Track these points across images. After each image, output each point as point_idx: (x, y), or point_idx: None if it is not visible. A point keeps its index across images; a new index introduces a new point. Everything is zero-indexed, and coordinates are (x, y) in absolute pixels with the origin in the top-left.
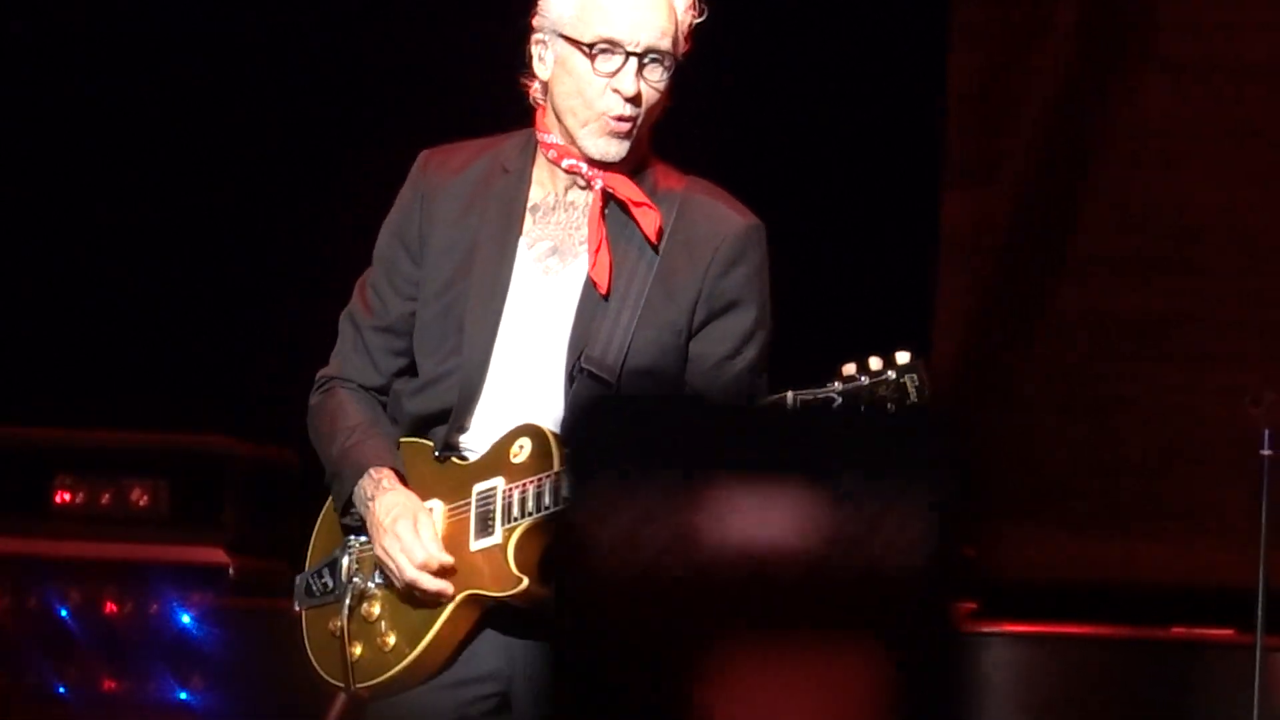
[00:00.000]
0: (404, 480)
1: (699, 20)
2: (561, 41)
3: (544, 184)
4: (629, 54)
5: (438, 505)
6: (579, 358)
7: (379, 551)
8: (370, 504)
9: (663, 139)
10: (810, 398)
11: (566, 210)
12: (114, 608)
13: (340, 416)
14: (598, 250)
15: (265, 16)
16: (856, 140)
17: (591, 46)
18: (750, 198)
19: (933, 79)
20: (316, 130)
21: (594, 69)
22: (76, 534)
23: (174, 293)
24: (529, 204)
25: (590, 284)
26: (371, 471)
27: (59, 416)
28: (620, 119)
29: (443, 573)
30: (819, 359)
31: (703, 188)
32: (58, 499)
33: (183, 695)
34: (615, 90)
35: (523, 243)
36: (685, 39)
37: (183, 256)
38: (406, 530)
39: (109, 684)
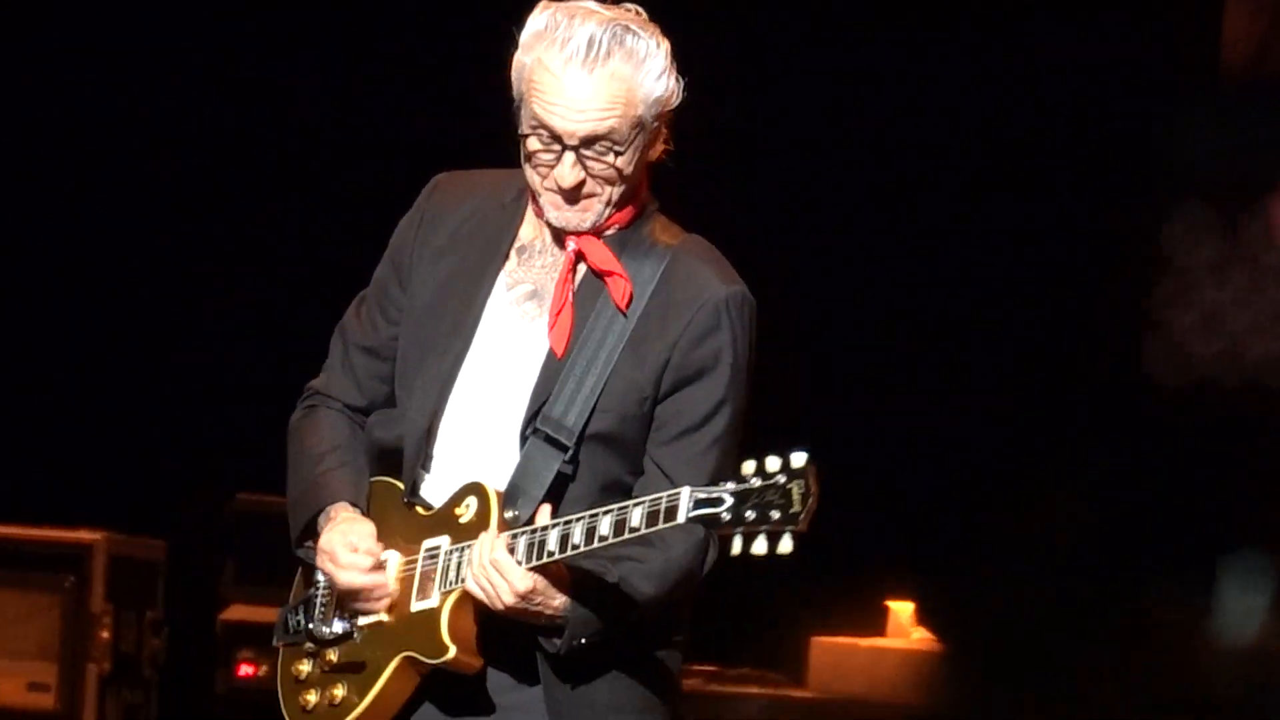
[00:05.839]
0: (365, 514)
1: (669, 83)
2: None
3: (535, 225)
4: (565, 147)
5: (394, 557)
6: (535, 417)
7: (322, 570)
8: (320, 534)
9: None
10: (704, 496)
11: (553, 255)
12: None
13: (315, 440)
14: (559, 313)
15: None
16: None
17: (527, 137)
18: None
19: None
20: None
21: (535, 157)
22: None
23: None
24: (517, 243)
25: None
26: (329, 509)
27: None
28: (570, 200)
29: (375, 567)
30: None
31: (694, 249)
32: None
33: None
34: (555, 180)
35: (503, 280)
36: (659, 100)
37: None
38: (334, 538)
39: None
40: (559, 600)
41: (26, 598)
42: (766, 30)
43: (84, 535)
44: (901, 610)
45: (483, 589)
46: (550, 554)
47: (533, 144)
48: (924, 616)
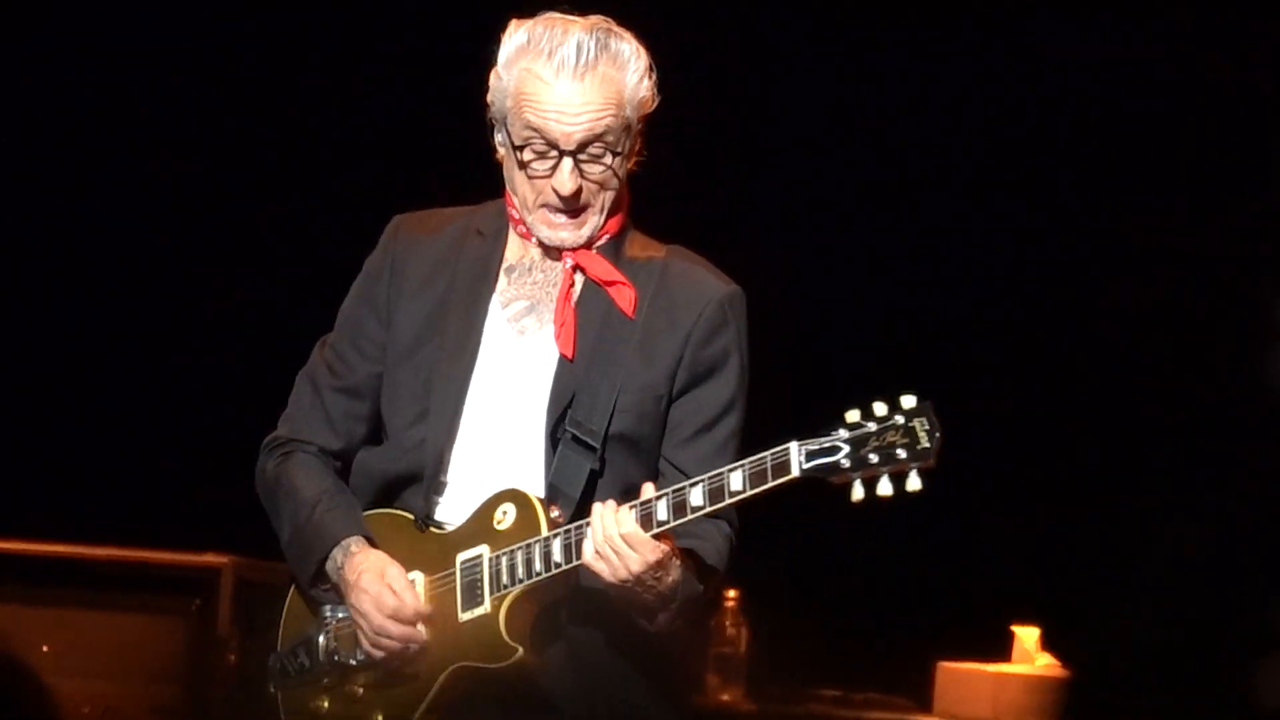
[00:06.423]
0: (375, 547)
1: (649, 72)
2: (504, 131)
3: (520, 245)
4: (562, 153)
5: (419, 577)
6: (562, 419)
7: (351, 611)
8: (341, 571)
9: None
10: (815, 448)
11: (544, 270)
12: None
13: (304, 483)
14: (563, 326)
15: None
16: None
17: (521, 149)
18: None
19: None
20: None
21: (530, 168)
22: None
23: None
24: (504, 264)
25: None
26: (344, 542)
27: None
28: (567, 211)
29: (415, 620)
30: None
31: (684, 255)
32: None
33: None
34: (554, 188)
35: (496, 301)
36: (641, 103)
37: None
38: (372, 581)
39: None
40: (674, 575)
41: (153, 621)
42: (768, 30)
43: (211, 559)
44: (1027, 635)
45: (607, 561)
46: (661, 525)
47: (527, 155)
48: (1049, 641)
